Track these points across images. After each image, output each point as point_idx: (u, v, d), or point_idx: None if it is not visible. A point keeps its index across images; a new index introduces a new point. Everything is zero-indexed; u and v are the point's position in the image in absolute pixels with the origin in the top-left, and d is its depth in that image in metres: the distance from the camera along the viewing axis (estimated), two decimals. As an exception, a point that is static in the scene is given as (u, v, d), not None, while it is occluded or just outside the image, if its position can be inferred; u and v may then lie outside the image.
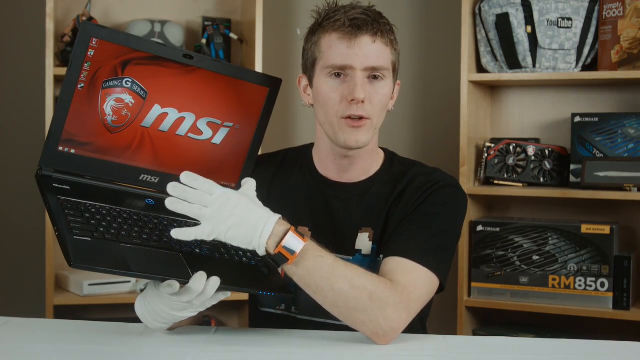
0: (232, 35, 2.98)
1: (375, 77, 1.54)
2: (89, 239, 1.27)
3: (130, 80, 1.40)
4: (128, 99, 1.41)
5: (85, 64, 1.36)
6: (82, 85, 1.37)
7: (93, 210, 1.35)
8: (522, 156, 2.81)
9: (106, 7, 2.97)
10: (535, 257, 2.70)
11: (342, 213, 1.62)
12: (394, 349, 1.41)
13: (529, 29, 2.71)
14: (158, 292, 1.33)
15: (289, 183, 1.67)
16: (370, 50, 1.52)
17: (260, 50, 2.85)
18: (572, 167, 2.76)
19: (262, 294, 1.42)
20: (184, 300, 1.32)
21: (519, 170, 2.81)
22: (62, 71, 2.66)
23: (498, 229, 2.74)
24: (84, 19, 2.79)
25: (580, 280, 2.65)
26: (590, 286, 2.64)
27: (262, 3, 2.86)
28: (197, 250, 1.39)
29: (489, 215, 2.97)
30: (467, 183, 2.78)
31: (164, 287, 1.29)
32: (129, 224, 1.36)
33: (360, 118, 1.53)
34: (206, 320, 2.84)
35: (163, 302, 1.34)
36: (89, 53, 1.35)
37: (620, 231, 2.73)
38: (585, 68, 2.75)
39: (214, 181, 1.40)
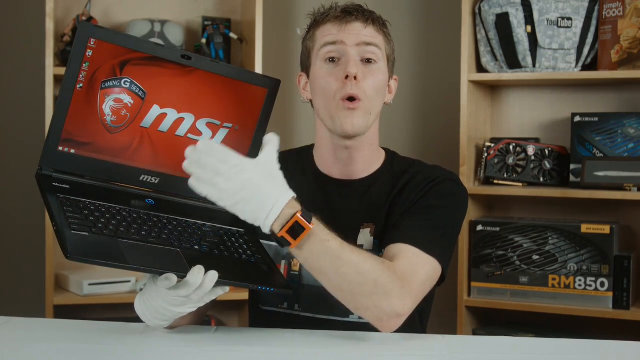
0: (232, 35, 2.98)
1: (369, 61, 1.58)
2: (87, 234, 1.28)
3: (129, 81, 1.41)
4: (127, 99, 1.41)
5: (84, 64, 1.36)
6: (81, 85, 1.37)
7: (92, 207, 1.35)
8: (522, 156, 2.81)
9: (106, 7, 2.97)
10: (535, 257, 2.70)
11: (344, 210, 1.63)
12: (394, 349, 1.41)
13: (529, 28, 2.71)
14: (156, 287, 1.33)
15: (290, 183, 1.68)
16: (361, 32, 1.58)
17: (260, 50, 2.85)
18: (572, 166, 2.76)
19: (262, 289, 1.42)
20: (182, 294, 1.32)
21: (519, 170, 2.81)
22: (62, 71, 2.66)
23: (498, 229, 2.74)
24: (84, 18, 2.79)
25: (580, 280, 2.65)
26: (590, 286, 2.64)
27: (262, 3, 2.86)
28: (197, 247, 1.39)
29: (489, 215, 2.97)
30: (467, 183, 2.78)
31: (162, 281, 1.29)
32: (128, 221, 1.37)
33: (355, 100, 1.55)
34: (206, 320, 2.84)
35: (161, 298, 1.34)
36: (87, 53, 1.36)
37: (620, 231, 2.73)
38: (585, 68, 2.75)
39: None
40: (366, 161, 1.65)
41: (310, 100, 1.66)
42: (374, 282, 1.39)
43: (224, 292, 1.37)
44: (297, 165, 1.71)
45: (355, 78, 1.54)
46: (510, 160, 2.81)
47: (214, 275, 1.31)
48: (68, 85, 1.36)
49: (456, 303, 2.79)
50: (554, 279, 2.68)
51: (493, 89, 3.01)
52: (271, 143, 1.40)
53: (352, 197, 1.63)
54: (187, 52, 1.46)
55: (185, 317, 1.45)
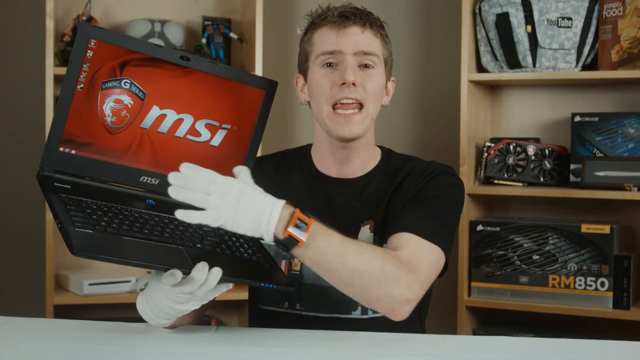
0: (232, 35, 2.98)
1: (366, 66, 1.58)
2: (91, 231, 1.28)
3: (129, 82, 1.41)
4: (127, 100, 1.42)
5: (84, 65, 1.36)
6: (82, 86, 1.37)
7: (94, 207, 1.36)
8: (522, 156, 2.81)
9: (106, 7, 2.97)
10: (535, 257, 2.70)
11: (343, 208, 1.63)
12: (394, 349, 1.41)
13: (529, 28, 2.71)
14: (160, 285, 1.34)
15: (289, 182, 1.68)
16: (359, 38, 1.58)
17: (260, 50, 2.85)
18: (572, 166, 2.76)
19: (264, 286, 1.42)
20: (186, 291, 1.32)
21: (519, 169, 2.81)
22: (62, 71, 2.66)
23: (498, 229, 2.74)
24: (84, 18, 2.79)
25: (580, 280, 2.65)
26: (590, 286, 2.64)
27: (262, 3, 2.86)
28: (199, 246, 1.40)
29: (489, 214, 2.97)
30: (467, 183, 2.78)
31: (166, 277, 1.30)
32: (130, 219, 1.37)
33: (353, 104, 1.56)
34: (206, 320, 2.84)
35: (165, 295, 1.34)
36: (87, 54, 1.36)
37: (620, 231, 2.73)
38: (585, 67, 2.75)
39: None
40: (363, 160, 1.66)
41: (308, 102, 1.67)
42: (381, 271, 1.40)
43: (228, 289, 1.37)
44: (295, 164, 1.71)
45: (353, 84, 1.55)
46: (510, 160, 2.81)
47: (218, 271, 1.31)
48: (69, 85, 1.37)
49: (456, 303, 2.79)
50: (554, 279, 2.68)
51: (493, 88, 3.01)
52: (243, 170, 1.42)
53: (350, 195, 1.64)
54: (186, 53, 1.46)
55: (186, 316, 1.45)
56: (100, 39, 1.37)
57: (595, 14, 2.72)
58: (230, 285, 1.38)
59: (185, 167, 1.32)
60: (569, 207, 2.87)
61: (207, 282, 1.31)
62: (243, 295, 2.66)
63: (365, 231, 1.61)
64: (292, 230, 1.35)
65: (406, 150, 1.77)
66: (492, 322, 2.91)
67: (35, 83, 2.88)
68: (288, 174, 1.70)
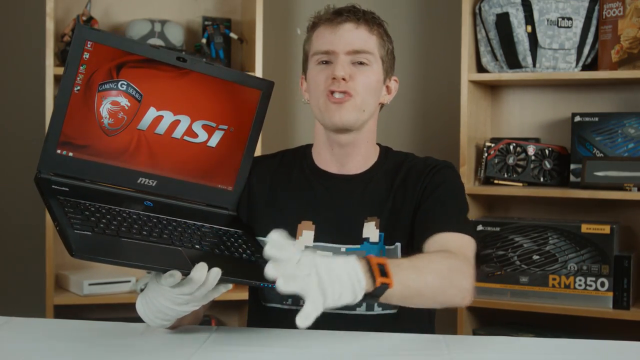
0: (232, 35, 2.98)
1: (360, 63, 1.61)
2: (90, 233, 1.28)
3: (125, 83, 1.41)
4: (124, 101, 1.42)
5: (81, 67, 1.37)
6: (78, 88, 1.37)
7: (93, 209, 1.36)
8: (522, 156, 2.81)
9: (106, 7, 2.97)
10: (535, 257, 2.70)
11: (345, 204, 1.64)
12: (394, 349, 1.41)
13: (529, 28, 2.71)
14: (159, 286, 1.34)
15: (290, 181, 1.69)
16: (352, 35, 1.61)
17: (260, 50, 2.85)
18: (572, 166, 2.76)
19: (264, 285, 1.42)
20: (186, 292, 1.32)
21: (519, 169, 2.81)
22: (62, 71, 2.66)
23: (498, 229, 2.74)
24: (84, 18, 2.79)
25: (580, 280, 2.65)
26: (590, 286, 2.64)
27: (262, 3, 2.86)
28: (198, 246, 1.40)
29: (489, 214, 2.97)
30: (467, 183, 2.78)
31: (166, 278, 1.30)
32: (129, 221, 1.37)
33: (344, 94, 1.58)
34: (206, 320, 2.84)
35: (165, 297, 1.34)
36: (84, 56, 1.36)
37: (620, 231, 2.72)
38: (585, 68, 2.75)
39: (212, 181, 1.42)
40: (363, 157, 1.68)
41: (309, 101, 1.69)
42: (449, 271, 1.43)
43: (227, 290, 1.37)
44: (296, 162, 1.72)
45: (343, 79, 1.58)
46: (511, 160, 2.81)
47: (217, 272, 1.31)
48: (65, 88, 1.37)
49: (456, 303, 2.79)
50: (554, 279, 2.68)
51: (493, 88, 3.01)
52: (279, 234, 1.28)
53: (352, 191, 1.65)
54: (182, 54, 1.46)
55: (185, 317, 1.45)
56: (97, 41, 1.37)
57: (595, 14, 2.72)
58: (230, 286, 1.38)
59: (270, 249, 1.22)
60: (569, 207, 2.87)
61: (206, 282, 1.31)
62: (243, 295, 2.66)
63: (371, 227, 1.62)
64: (380, 280, 1.28)
65: (406, 150, 1.77)
66: (492, 322, 2.91)
67: (35, 83, 2.88)
68: (288, 172, 1.70)
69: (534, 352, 1.44)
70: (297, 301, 1.61)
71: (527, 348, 1.48)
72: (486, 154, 2.83)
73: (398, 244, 1.61)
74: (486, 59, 2.82)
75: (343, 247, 1.60)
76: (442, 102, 3.12)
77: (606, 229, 2.63)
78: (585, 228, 2.65)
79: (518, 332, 2.74)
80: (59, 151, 1.39)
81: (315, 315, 1.23)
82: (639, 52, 2.63)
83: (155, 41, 2.85)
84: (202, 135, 1.51)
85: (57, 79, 2.71)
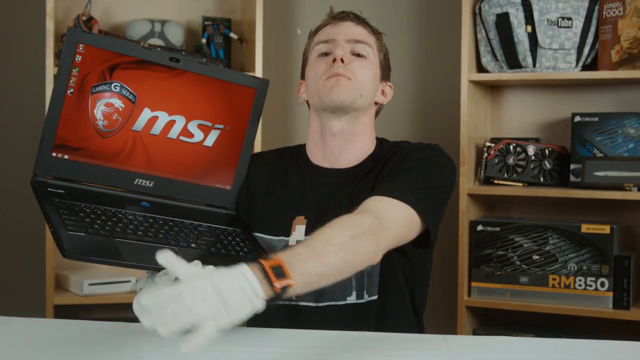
0: (232, 35, 2.98)
1: (359, 56, 1.64)
2: (83, 234, 1.28)
3: (119, 85, 1.41)
4: (118, 103, 1.42)
5: (74, 70, 1.37)
6: (72, 90, 1.38)
7: (88, 210, 1.36)
8: (522, 156, 2.81)
9: (106, 7, 2.97)
10: (535, 257, 2.70)
11: (337, 197, 1.65)
12: (394, 349, 1.41)
13: (529, 28, 2.71)
14: (155, 286, 1.34)
15: (285, 177, 1.70)
16: (352, 29, 1.66)
17: (260, 50, 2.85)
18: (572, 166, 2.76)
19: None
20: None
21: (519, 170, 2.81)
22: (62, 71, 2.66)
23: (498, 229, 2.74)
24: (84, 18, 2.79)
25: (580, 280, 2.65)
26: (590, 286, 2.64)
27: (262, 3, 2.86)
28: (194, 246, 1.40)
29: (489, 214, 2.97)
30: (467, 183, 2.78)
31: (160, 277, 1.30)
32: (124, 222, 1.37)
33: (341, 75, 1.60)
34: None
35: None
36: (76, 59, 1.36)
37: (620, 231, 2.72)
38: (585, 68, 2.75)
39: (210, 181, 1.44)
40: (356, 151, 1.67)
41: (307, 101, 1.70)
42: (351, 238, 1.34)
43: None
44: (292, 159, 1.74)
45: (342, 61, 1.60)
46: (511, 160, 2.81)
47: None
48: (59, 91, 1.37)
49: (456, 303, 2.79)
50: (554, 279, 2.68)
51: (493, 89, 3.01)
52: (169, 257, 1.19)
53: (343, 184, 1.65)
54: (174, 54, 1.46)
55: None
56: (89, 44, 1.37)
57: (595, 14, 2.72)
58: None
59: (145, 303, 1.13)
60: (569, 207, 2.87)
61: None
62: (243, 295, 2.66)
63: None
64: (278, 283, 1.20)
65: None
66: (492, 322, 2.91)
67: (35, 83, 2.88)
68: (285, 169, 1.72)
69: (534, 352, 1.44)
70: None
71: (527, 348, 1.48)
72: (486, 154, 2.83)
73: None
74: (486, 59, 2.82)
75: None
76: (442, 102, 3.12)
77: (606, 229, 2.63)
78: (585, 228, 2.65)
79: (518, 332, 2.74)
80: (54, 154, 1.39)
81: (204, 342, 1.12)
82: (639, 52, 2.63)
83: (155, 41, 2.85)
84: (198, 135, 1.51)
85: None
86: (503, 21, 2.73)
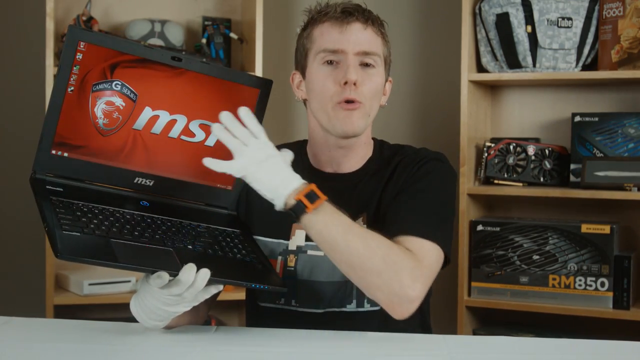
0: (232, 35, 2.98)
1: (367, 65, 1.58)
2: (78, 234, 1.28)
3: (120, 83, 1.41)
4: (118, 101, 1.42)
5: (74, 68, 1.36)
6: (72, 88, 1.37)
7: (85, 209, 1.35)
8: (522, 156, 2.81)
9: (106, 7, 2.97)
10: (535, 257, 2.70)
11: (339, 203, 1.63)
12: (394, 349, 1.41)
13: (529, 28, 2.71)
14: (149, 287, 1.34)
15: None
16: (361, 36, 1.57)
17: (260, 50, 2.85)
18: (572, 166, 2.76)
19: (255, 287, 1.42)
20: (175, 293, 1.32)
21: (519, 169, 2.81)
22: (62, 71, 2.66)
23: (498, 229, 2.74)
24: (84, 18, 2.79)
25: (580, 280, 2.65)
26: (590, 286, 2.64)
27: (262, 3, 2.86)
28: (190, 247, 1.39)
29: (489, 214, 2.97)
30: (467, 183, 2.78)
31: (154, 279, 1.29)
32: (121, 221, 1.37)
33: (354, 102, 1.55)
34: (206, 320, 2.83)
35: (155, 297, 1.35)
36: (77, 57, 1.36)
37: (620, 231, 2.72)
38: (585, 68, 2.75)
39: (211, 181, 1.45)
40: (358, 156, 1.66)
41: (304, 100, 1.66)
42: (383, 258, 1.39)
43: (218, 291, 1.37)
44: (292, 161, 1.71)
45: (355, 84, 1.54)
46: (511, 160, 2.81)
47: (205, 273, 1.31)
48: (59, 89, 1.36)
49: (456, 303, 2.79)
50: (554, 279, 2.68)
51: (493, 88, 3.01)
52: (288, 152, 1.45)
53: (344, 190, 1.63)
54: (177, 53, 1.46)
55: (182, 316, 1.45)
56: (90, 42, 1.36)
57: (595, 14, 2.72)
58: (221, 287, 1.37)
59: (243, 112, 1.40)
60: (569, 207, 2.87)
61: (195, 283, 1.31)
62: (243, 294, 2.66)
63: (359, 224, 1.60)
64: (303, 197, 1.39)
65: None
66: (492, 322, 2.91)
67: (35, 83, 2.88)
68: None
69: (534, 352, 1.44)
70: (289, 301, 1.61)
71: (527, 348, 1.48)
72: (486, 154, 2.83)
73: None
74: (486, 59, 2.82)
75: None
76: (442, 102, 3.12)
77: (606, 229, 2.63)
78: (585, 228, 2.65)
79: (518, 332, 2.74)
80: (53, 152, 1.39)
81: (223, 170, 1.40)
82: (639, 52, 2.63)
83: (155, 41, 2.85)
84: (200, 135, 1.50)
85: (57, 79, 2.71)
86: (503, 21, 2.73)
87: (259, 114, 1.55)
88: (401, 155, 1.65)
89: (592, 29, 2.72)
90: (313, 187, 1.40)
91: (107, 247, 1.29)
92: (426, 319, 1.68)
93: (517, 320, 2.89)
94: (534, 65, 2.73)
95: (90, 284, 2.72)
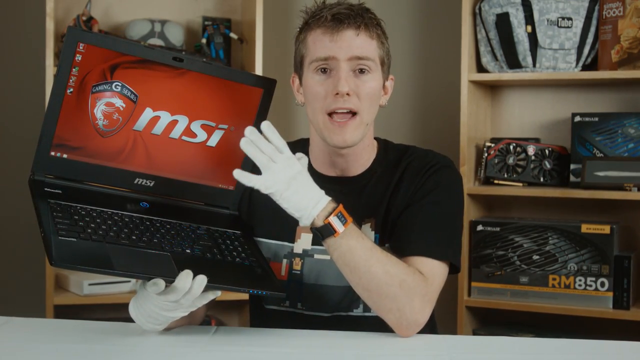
0: (232, 35, 2.98)
1: (361, 71, 1.55)
2: (74, 240, 1.27)
3: (120, 84, 1.40)
4: (119, 102, 1.41)
5: (74, 69, 1.35)
6: (72, 90, 1.36)
7: (83, 212, 1.34)
8: (522, 156, 2.81)
9: (106, 7, 2.97)
10: (535, 257, 2.70)
11: (346, 206, 1.61)
12: (394, 349, 1.41)
13: (529, 28, 2.71)
14: (147, 292, 1.33)
15: None
16: (353, 43, 1.54)
17: (260, 50, 2.85)
18: (572, 166, 2.76)
19: (253, 292, 1.41)
20: (171, 299, 1.31)
21: (519, 170, 2.81)
22: (62, 71, 2.66)
23: (498, 229, 2.74)
24: (84, 18, 2.79)
25: (580, 280, 2.65)
26: (590, 286, 2.64)
27: (262, 3, 2.86)
28: (188, 251, 1.38)
29: (489, 214, 2.97)
30: (467, 183, 2.78)
31: (150, 286, 1.29)
32: (119, 225, 1.36)
33: (348, 113, 1.54)
34: (206, 320, 2.84)
35: (152, 303, 1.34)
36: (76, 58, 1.35)
37: (620, 231, 2.72)
38: (585, 68, 2.75)
39: (212, 181, 1.44)
40: (362, 160, 1.64)
41: (304, 103, 1.64)
42: (400, 284, 1.43)
43: (215, 296, 1.37)
44: None
45: (348, 94, 1.53)
46: (511, 160, 2.81)
47: (202, 279, 1.30)
48: (58, 90, 1.36)
49: (456, 303, 2.79)
50: (554, 279, 2.68)
51: (493, 89, 3.01)
52: (304, 159, 1.46)
53: (350, 193, 1.62)
54: (178, 54, 1.45)
55: (181, 319, 1.44)
56: (89, 43, 1.36)
57: (595, 14, 2.72)
58: (219, 292, 1.36)
59: (265, 126, 1.40)
60: (569, 207, 2.87)
61: (191, 290, 1.30)
62: (243, 295, 2.65)
63: (367, 229, 1.60)
64: (332, 219, 1.41)
65: (406, 149, 1.76)
66: (492, 322, 2.91)
67: (35, 83, 2.88)
68: None
69: (534, 352, 1.44)
70: (294, 304, 1.61)
71: (527, 348, 1.48)
72: (486, 154, 2.83)
73: None
74: (486, 59, 2.82)
75: None
76: (442, 102, 3.12)
77: (606, 229, 2.63)
78: (585, 228, 2.65)
79: (518, 332, 2.74)
80: (52, 153, 1.38)
81: (252, 184, 1.39)
82: (639, 52, 2.63)
83: (155, 41, 2.85)
84: (201, 135, 1.50)
85: (57, 79, 2.71)
86: (503, 21, 2.73)
87: (263, 114, 1.54)
88: (408, 158, 1.64)
89: (592, 29, 2.72)
90: (341, 208, 1.43)
91: (103, 253, 1.28)
92: (433, 320, 1.68)
93: (517, 320, 2.89)
94: (534, 65, 2.73)
95: (90, 284, 2.72)
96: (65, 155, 1.39)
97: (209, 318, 2.88)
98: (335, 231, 1.41)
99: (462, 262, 2.71)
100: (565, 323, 2.80)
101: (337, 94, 1.52)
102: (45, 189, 1.36)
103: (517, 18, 2.71)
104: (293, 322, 1.59)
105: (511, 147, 2.82)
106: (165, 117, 1.45)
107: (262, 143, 1.39)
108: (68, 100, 1.37)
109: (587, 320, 2.69)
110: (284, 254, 1.61)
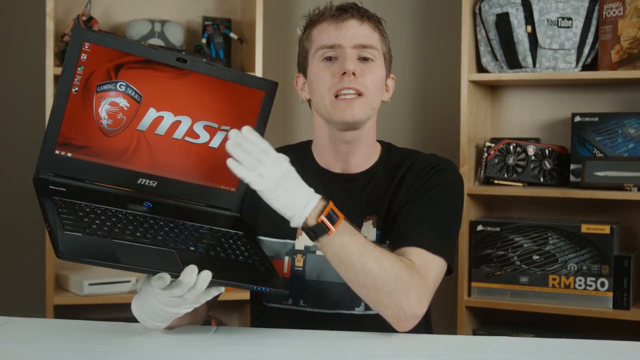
0: (232, 35, 2.98)
1: (365, 59, 1.59)
2: (80, 234, 1.28)
3: (124, 84, 1.41)
4: (123, 102, 1.42)
5: (79, 68, 1.36)
6: (77, 89, 1.37)
7: (87, 209, 1.35)
8: (522, 156, 2.81)
9: (106, 7, 2.97)
10: (535, 257, 2.70)
11: (346, 204, 1.63)
12: (394, 349, 1.41)
13: (529, 28, 2.71)
14: (151, 288, 1.34)
15: None
16: (358, 31, 1.59)
17: (260, 50, 2.85)
18: (572, 166, 2.76)
19: (256, 289, 1.42)
20: (176, 294, 1.32)
21: (519, 170, 2.81)
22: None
23: (498, 229, 2.74)
24: (84, 18, 2.79)
25: (580, 280, 2.65)
26: (590, 286, 2.64)
27: (262, 3, 2.86)
28: (192, 248, 1.39)
29: (489, 215, 2.97)
30: (467, 183, 2.78)
31: (155, 281, 1.30)
32: (124, 222, 1.36)
33: (354, 93, 1.56)
34: (206, 320, 2.83)
35: (156, 298, 1.35)
36: (81, 57, 1.36)
37: (620, 231, 2.73)
38: (585, 68, 2.75)
39: (215, 182, 1.45)
40: (365, 155, 1.66)
41: (308, 100, 1.67)
42: (395, 278, 1.42)
43: (219, 293, 1.37)
44: (296, 160, 1.70)
45: (353, 74, 1.56)
46: (511, 160, 2.81)
47: (207, 275, 1.31)
48: (63, 89, 1.36)
49: (456, 303, 2.79)
50: (554, 279, 2.68)
51: (493, 89, 3.01)
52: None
53: (353, 190, 1.64)
54: (182, 55, 1.46)
55: (183, 317, 1.45)
56: (94, 42, 1.36)
57: (595, 14, 2.72)
58: (223, 289, 1.37)
59: (246, 130, 1.37)
60: (569, 207, 2.87)
61: (196, 285, 1.31)
62: (244, 295, 2.66)
63: (368, 227, 1.61)
64: (324, 218, 1.39)
65: (407, 149, 1.77)
66: (492, 322, 2.91)
67: (35, 83, 2.88)
68: None
69: (534, 352, 1.44)
70: (296, 302, 1.62)
71: (527, 348, 1.48)
72: (486, 154, 2.83)
73: None
74: (486, 59, 2.82)
75: None
76: (442, 102, 3.12)
77: (606, 229, 2.63)
78: (585, 228, 2.65)
79: (518, 332, 2.74)
80: (57, 152, 1.39)
81: (243, 176, 1.36)
82: (639, 52, 2.63)
83: (155, 41, 2.85)
84: (204, 136, 1.50)
85: (57, 79, 2.71)
86: (503, 21, 2.73)
87: (265, 116, 1.55)
88: (411, 160, 1.66)
89: (592, 29, 2.72)
90: (331, 205, 1.41)
91: (108, 247, 1.29)
92: (429, 321, 1.68)
93: (517, 320, 2.89)
94: (534, 65, 2.73)
95: (90, 284, 2.72)
96: (69, 154, 1.40)
97: (209, 318, 2.89)
98: (328, 229, 1.40)
99: (462, 262, 2.75)
100: (565, 323, 2.80)
101: (344, 73, 1.56)
102: (50, 187, 1.37)
103: (517, 18, 2.71)
104: (294, 320, 1.59)
105: (511, 147, 2.82)
106: (168, 118, 1.46)
107: (248, 144, 1.37)
108: (73, 99, 1.37)
109: (587, 320, 2.69)
110: (285, 251, 1.61)
